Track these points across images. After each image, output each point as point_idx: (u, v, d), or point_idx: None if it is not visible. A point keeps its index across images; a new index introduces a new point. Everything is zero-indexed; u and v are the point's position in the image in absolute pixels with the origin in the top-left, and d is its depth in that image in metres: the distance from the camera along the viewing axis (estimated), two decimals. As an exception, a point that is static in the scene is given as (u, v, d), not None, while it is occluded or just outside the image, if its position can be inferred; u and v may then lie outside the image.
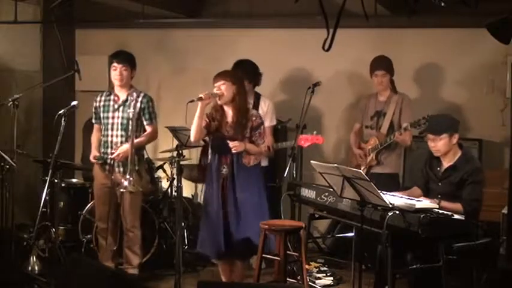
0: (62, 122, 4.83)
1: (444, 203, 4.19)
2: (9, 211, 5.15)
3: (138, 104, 4.92)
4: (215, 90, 4.64)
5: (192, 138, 4.69)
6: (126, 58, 5.03)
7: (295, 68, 6.51)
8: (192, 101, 4.51)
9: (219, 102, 4.66)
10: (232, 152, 4.63)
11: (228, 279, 4.80)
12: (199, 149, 5.29)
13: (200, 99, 4.54)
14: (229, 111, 4.70)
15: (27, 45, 6.88)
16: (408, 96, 5.46)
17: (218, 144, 4.69)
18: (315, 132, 5.42)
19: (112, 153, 4.94)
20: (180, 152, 4.64)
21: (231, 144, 4.61)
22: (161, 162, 6.05)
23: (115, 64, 4.98)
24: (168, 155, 5.80)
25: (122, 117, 4.96)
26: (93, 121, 5.15)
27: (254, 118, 4.72)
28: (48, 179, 4.90)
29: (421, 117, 4.84)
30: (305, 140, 5.36)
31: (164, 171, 6.05)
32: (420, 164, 4.65)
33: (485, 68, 5.87)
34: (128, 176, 4.68)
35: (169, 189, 5.86)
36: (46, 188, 4.96)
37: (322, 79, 5.61)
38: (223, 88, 4.62)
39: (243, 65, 5.48)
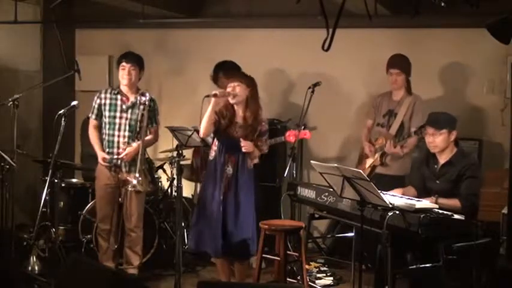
0: (62, 122, 4.84)
1: (442, 200, 4.21)
2: (9, 211, 5.14)
3: (147, 107, 4.92)
4: (228, 89, 4.64)
5: (201, 134, 4.69)
6: (134, 58, 5.05)
7: (295, 68, 6.49)
8: (207, 96, 4.52)
9: (231, 101, 4.67)
10: (239, 152, 4.64)
11: (227, 278, 4.80)
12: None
13: (215, 95, 4.56)
14: (239, 112, 4.71)
15: (27, 45, 6.88)
16: (421, 98, 5.37)
17: (228, 143, 4.70)
18: (302, 128, 5.42)
19: (118, 153, 4.94)
20: (180, 152, 4.65)
21: (243, 143, 4.62)
22: (161, 162, 6.05)
23: (124, 64, 4.99)
24: (168, 155, 5.80)
25: (130, 119, 4.96)
26: (93, 117, 5.08)
27: (263, 123, 4.75)
28: (48, 179, 4.91)
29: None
30: (293, 136, 5.36)
31: (164, 171, 6.05)
32: (418, 164, 4.65)
33: (485, 68, 5.86)
34: (137, 175, 4.70)
35: (169, 189, 5.87)
36: (46, 188, 4.96)
37: (323, 79, 5.60)
38: (238, 89, 4.63)
39: (225, 66, 5.48)
